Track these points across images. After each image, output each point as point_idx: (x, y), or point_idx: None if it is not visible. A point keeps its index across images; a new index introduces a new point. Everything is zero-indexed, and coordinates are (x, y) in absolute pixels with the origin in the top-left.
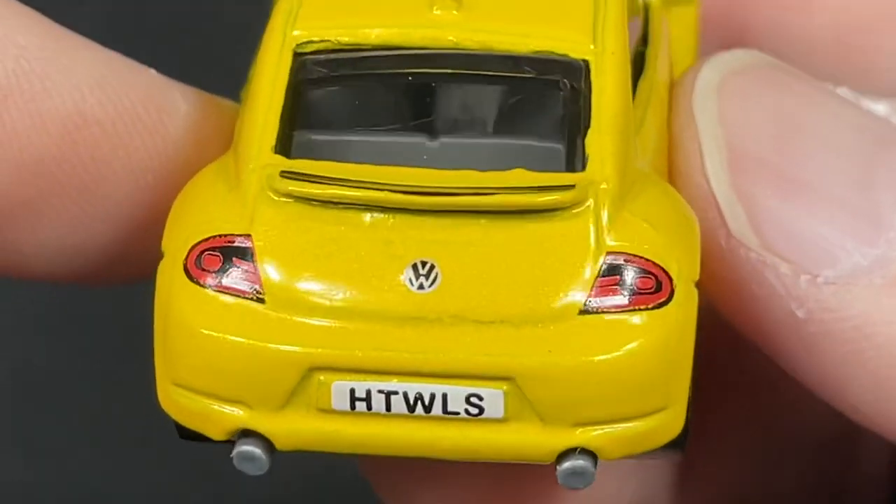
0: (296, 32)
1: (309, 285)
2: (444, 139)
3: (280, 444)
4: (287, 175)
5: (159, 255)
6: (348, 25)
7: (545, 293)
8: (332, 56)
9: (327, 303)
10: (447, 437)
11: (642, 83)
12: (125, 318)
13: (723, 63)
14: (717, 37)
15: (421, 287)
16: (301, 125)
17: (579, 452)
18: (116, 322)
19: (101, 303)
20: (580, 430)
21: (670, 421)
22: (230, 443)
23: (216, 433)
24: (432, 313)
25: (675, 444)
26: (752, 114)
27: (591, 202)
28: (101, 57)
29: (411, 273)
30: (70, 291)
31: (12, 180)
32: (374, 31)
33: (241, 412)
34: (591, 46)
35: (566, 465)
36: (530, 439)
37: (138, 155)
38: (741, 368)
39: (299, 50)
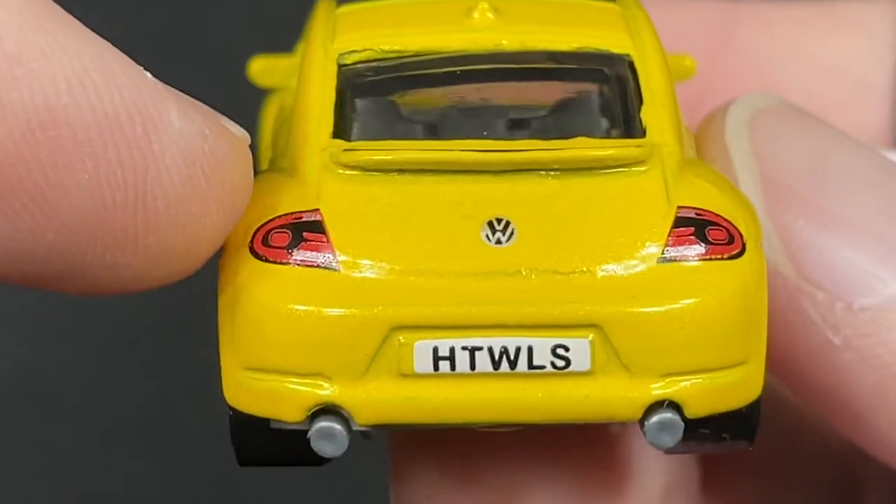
0: (336, 45)
1: (383, 248)
2: (495, 136)
3: (361, 416)
4: (351, 149)
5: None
6: (388, 34)
7: (623, 243)
8: (376, 64)
9: (404, 264)
10: (534, 396)
11: None
12: (126, 319)
13: (751, 102)
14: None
15: (498, 242)
16: (353, 127)
17: (666, 406)
18: (117, 322)
19: (102, 303)
20: (666, 380)
21: (751, 377)
22: (314, 463)
23: (293, 412)
24: (511, 266)
25: (745, 432)
26: (784, 149)
27: (656, 160)
28: (89, 48)
29: (487, 230)
30: None
31: None
32: (415, 38)
33: (319, 385)
34: (631, 42)
35: (654, 418)
36: (618, 393)
37: (110, 168)
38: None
39: (342, 61)
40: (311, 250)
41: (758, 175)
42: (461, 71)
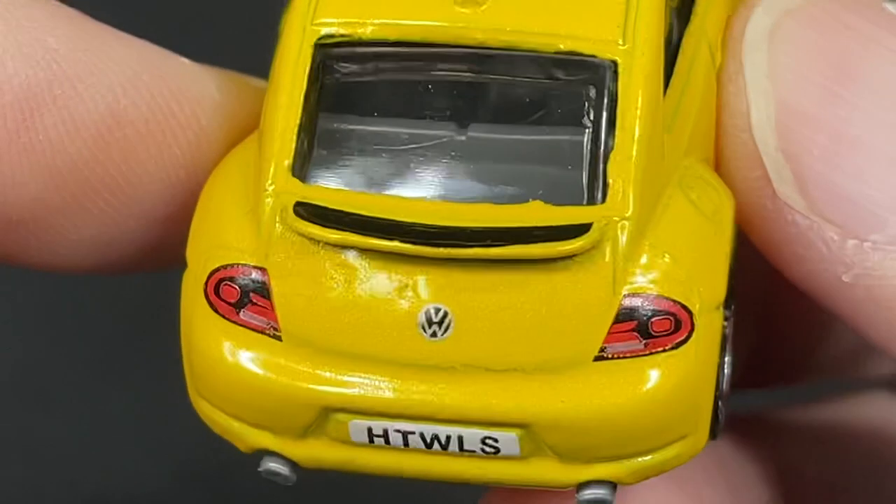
0: (316, 26)
1: (323, 326)
2: (471, 133)
3: (303, 464)
4: (300, 213)
5: (184, 262)
6: (370, 19)
7: (559, 341)
8: (355, 50)
9: (342, 345)
10: (467, 470)
11: (687, 37)
12: (126, 319)
13: (776, 2)
14: None
15: (434, 335)
16: (324, 119)
17: (599, 483)
18: (118, 323)
19: (102, 302)
20: (598, 465)
21: (691, 445)
22: None
23: (242, 447)
24: (445, 361)
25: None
26: (803, 63)
27: (608, 246)
28: (133, 52)
29: (424, 320)
30: (71, 291)
31: (46, 186)
32: (397, 26)
33: (265, 434)
34: (620, 43)
35: (586, 494)
36: (549, 475)
37: (171, 152)
38: None
39: (321, 42)
40: (257, 314)
41: (772, 99)
42: (440, 74)
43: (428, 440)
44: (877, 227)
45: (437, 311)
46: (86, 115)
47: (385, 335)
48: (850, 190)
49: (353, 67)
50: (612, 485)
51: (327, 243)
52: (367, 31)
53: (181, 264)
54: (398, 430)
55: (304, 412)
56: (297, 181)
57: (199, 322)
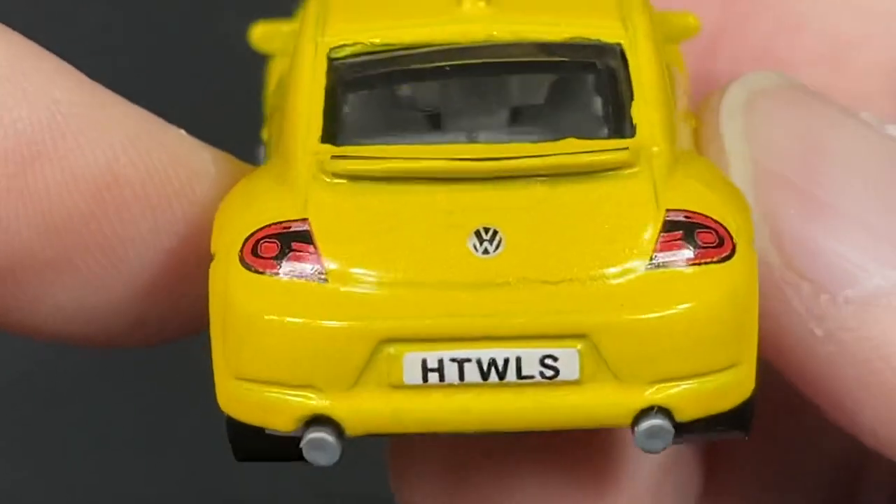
0: (327, 38)
1: (371, 260)
2: (487, 133)
3: (351, 427)
4: (339, 157)
5: (209, 258)
6: (378, 27)
7: (611, 251)
8: (367, 58)
9: (392, 275)
10: (523, 405)
11: None
12: None
13: (749, 82)
14: (705, 68)
15: (486, 252)
16: (342, 128)
17: (656, 412)
18: None
19: None
20: (656, 387)
21: (742, 378)
22: (295, 459)
23: (285, 422)
24: (499, 277)
25: (739, 425)
26: (778, 133)
27: (645, 162)
28: (133, 114)
29: (475, 240)
30: None
31: (40, 237)
32: (405, 30)
33: (310, 396)
34: (623, 31)
35: (644, 425)
36: (607, 400)
37: (165, 217)
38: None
39: (333, 55)
40: (300, 261)
41: (749, 161)
42: (452, 65)
43: (485, 368)
44: (849, 283)
45: (487, 230)
46: (85, 169)
47: (435, 259)
48: (823, 247)
49: (369, 70)
50: (670, 417)
51: (367, 178)
52: (377, 39)
53: (162, 342)
54: (454, 360)
55: (357, 350)
56: (328, 145)
57: (235, 286)
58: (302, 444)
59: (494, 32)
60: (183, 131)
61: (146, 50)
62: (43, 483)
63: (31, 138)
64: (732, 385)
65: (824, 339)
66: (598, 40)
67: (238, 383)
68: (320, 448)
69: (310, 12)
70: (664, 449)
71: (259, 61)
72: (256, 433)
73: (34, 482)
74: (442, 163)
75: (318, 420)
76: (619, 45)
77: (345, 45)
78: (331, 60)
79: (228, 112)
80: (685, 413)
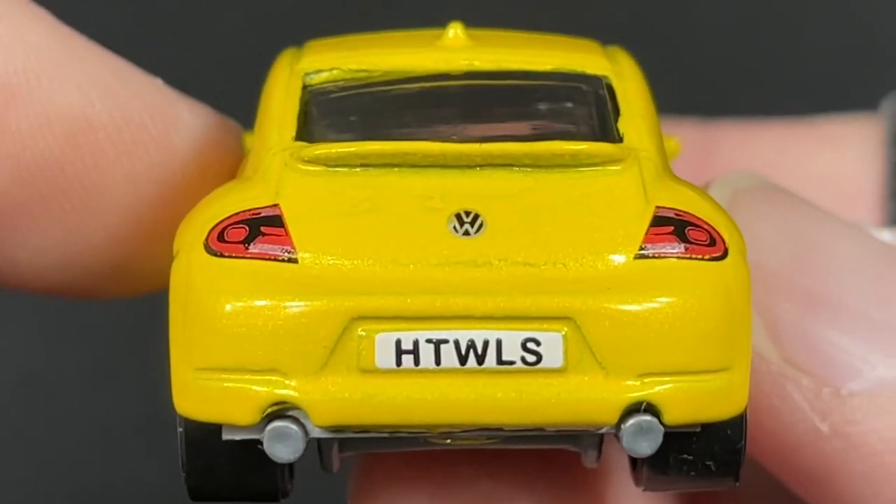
0: (303, 64)
1: (345, 240)
2: (473, 124)
3: (318, 416)
4: (312, 149)
5: (170, 259)
6: (356, 55)
7: (598, 238)
8: (343, 83)
9: (365, 254)
10: (503, 394)
11: None
12: (127, 320)
13: (731, 181)
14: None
15: (466, 234)
16: (316, 130)
17: (644, 409)
18: (118, 324)
19: (103, 306)
20: (644, 380)
21: (734, 387)
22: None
23: (247, 413)
24: (480, 257)
25: (728, 472)
26: (765, 230)
27: (633, 161)
28: (109, 62)
29: (455, 222)
30: None
31: (13, 180)
32: (384, 58)
33: (276, 381)
34: (609, 65)
35: (631, 421)
36: (592, 392)
37: (141, 165)
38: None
39: (308, 82)
40: (269, 243)
41: None
42: (432, 87)
43: (463, 351)
44: (852, 376)
45: (468, 213)
46: (59, 112)
47: (412, 238)
48: (822, 340)
49: (344, 89)
50: (657, 415)
51: (345, 165)
52: (353, 65)
53: (143, 294)
54: (430, 340)
55: (325, 329)
56: (302, 143)
57: (198, 272)
58: (264, 435)
59: (476, 62)
60: (160, 80)
61: (146, 50)
62: (43, 483)
63: (5, 81)
64: (724, 391)
65: (830, 435)
66: (583, 72)
67: (196, 375)
68: (283, 439)
69: (286, 52)
70: (652, 453)
71: (259, 61)
72: (213, 446)
73: (34, 482)
74: (421, 144)
75: (282, 414)
76: (605, 76)
77: (321, 71)
78: (305, 86)
79: (228, 112)
80: (674, 413)
